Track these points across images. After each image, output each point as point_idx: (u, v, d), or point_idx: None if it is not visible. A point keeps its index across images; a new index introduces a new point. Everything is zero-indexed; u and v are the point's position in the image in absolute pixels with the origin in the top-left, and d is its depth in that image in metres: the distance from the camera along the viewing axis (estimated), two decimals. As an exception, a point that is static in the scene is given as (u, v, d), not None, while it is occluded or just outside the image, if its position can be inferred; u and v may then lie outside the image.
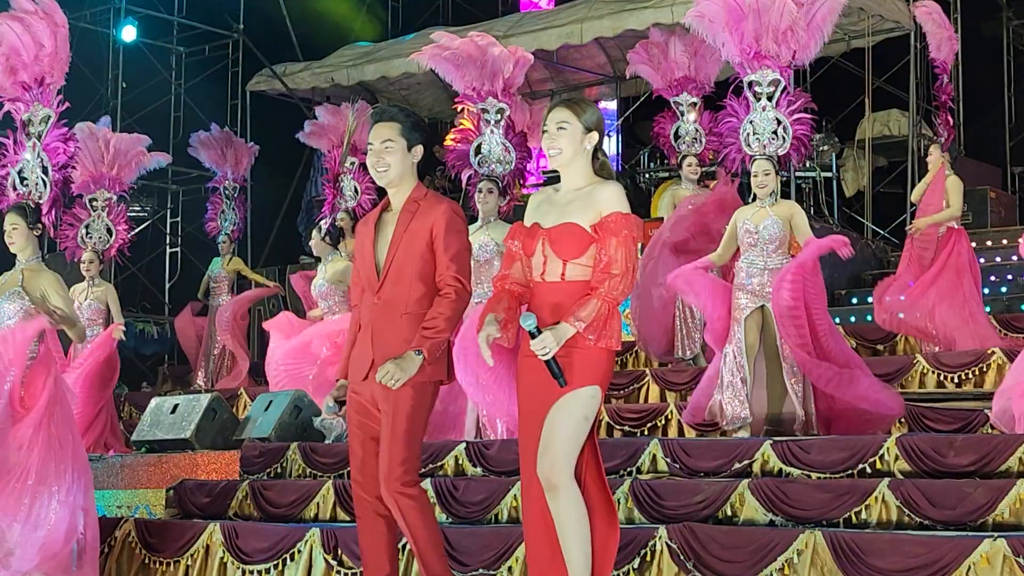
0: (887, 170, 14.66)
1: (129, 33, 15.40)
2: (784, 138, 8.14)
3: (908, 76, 13.26)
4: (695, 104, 11.07)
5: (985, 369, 8.68)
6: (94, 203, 11.19)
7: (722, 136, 8.55)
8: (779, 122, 8.16)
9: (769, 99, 8.21)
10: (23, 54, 8.33)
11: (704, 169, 11.17)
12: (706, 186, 10.87)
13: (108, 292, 10.74)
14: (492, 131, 9.17)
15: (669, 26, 11.75)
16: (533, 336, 4.40)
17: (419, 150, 4.97)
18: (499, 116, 9.21)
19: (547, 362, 4.39)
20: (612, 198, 4.49)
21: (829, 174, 13.56)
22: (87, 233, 11.10)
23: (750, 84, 8.28)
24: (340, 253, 9.64)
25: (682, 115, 11.08)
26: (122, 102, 15.30)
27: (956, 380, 8.75)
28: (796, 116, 8.18)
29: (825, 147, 13.47)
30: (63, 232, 11.04)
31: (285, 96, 16.01)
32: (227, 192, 14.06)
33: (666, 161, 12.37)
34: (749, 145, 8.21)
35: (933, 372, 8.84)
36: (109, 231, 11.12)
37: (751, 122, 8.23)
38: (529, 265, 4.59)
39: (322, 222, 10.28)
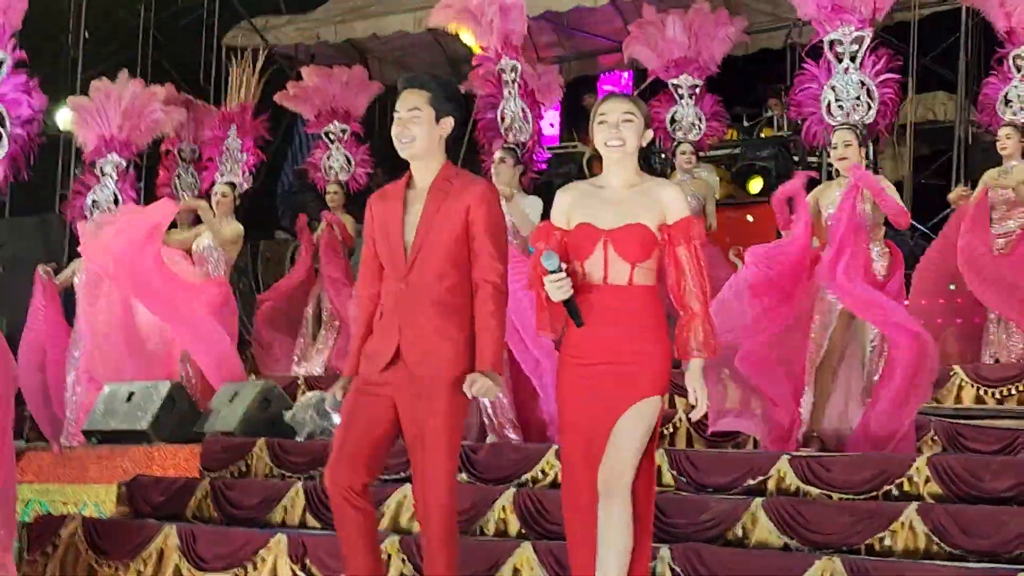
0: (930, 159, 14.65)
1: (93, -23, 15.34)
2: (870, 104, 8.00)
3: (957, 55, 13.24)
4: (697, 87, 11.18)
5: (1031, 384, 8.74)
6: (104, 170, 11.09)
7: (800, 106, 8.31)
8: (863, 85, 8.01)
9: (852, 60, 8.07)
10: None
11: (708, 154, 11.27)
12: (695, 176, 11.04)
13: None
14: (510, 93, 9.17)
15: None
16: (554, 272, 4.60)
17: (448, 122, 4.97)
18: (514, 75, 9.20)
19: (566, 301, 4.64)
20: (679, 200, 4.80)
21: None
22: (94, 203, 10.97)
23: (831, 44, 8.13)
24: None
25: (680, 98, 11.19)
26: (84, 53, 15.26)
27: (997, 396, 8.78)
28: (882, 78, 8.03)
29: (862, 132, 13.46)
30: (71, 203, 10.98)
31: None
32: (183, 155, 13.72)
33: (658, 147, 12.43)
34: (831, 114, 8.06)
35: (972, 386, 8.86)
36: (116, 200, 11.01)
37: (832, 88, 8.09)
38: (583, 268, 4.76)
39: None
